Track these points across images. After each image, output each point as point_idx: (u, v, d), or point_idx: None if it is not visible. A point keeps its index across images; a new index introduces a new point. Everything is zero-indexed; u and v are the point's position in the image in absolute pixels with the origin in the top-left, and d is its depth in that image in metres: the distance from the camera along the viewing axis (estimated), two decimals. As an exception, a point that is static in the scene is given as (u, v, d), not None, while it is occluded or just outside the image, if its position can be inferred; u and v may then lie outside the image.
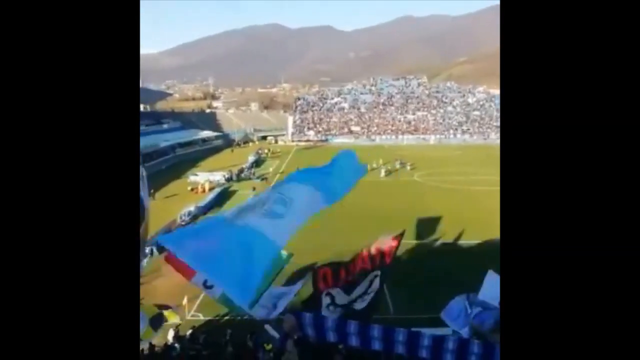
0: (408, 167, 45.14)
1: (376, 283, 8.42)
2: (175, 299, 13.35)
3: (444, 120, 77.43)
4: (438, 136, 73.27)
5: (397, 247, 8.77)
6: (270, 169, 47.41)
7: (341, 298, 8.00)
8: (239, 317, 14.06)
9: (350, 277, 8.21)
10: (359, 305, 8.16)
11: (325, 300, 7.65)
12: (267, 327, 7.70)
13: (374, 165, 45.51)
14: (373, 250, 8.41)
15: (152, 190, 34.54)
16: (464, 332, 7.57)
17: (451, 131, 74.39)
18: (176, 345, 10.32)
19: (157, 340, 10.22)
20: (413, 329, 4.55)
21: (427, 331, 5.02)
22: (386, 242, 8.71)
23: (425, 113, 79.54)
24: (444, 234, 23.12)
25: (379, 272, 8.41)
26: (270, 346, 9.48)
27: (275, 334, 7.42)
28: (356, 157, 8.20)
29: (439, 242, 22.21)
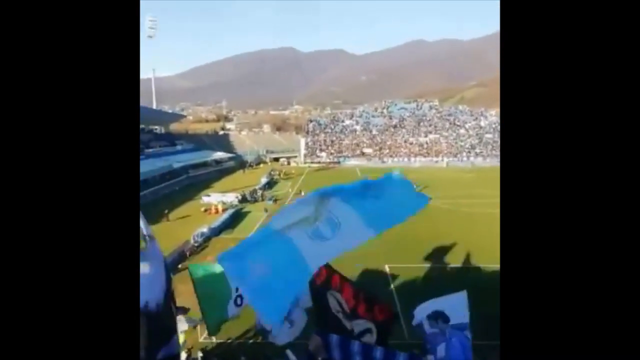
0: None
1: (367, 338, 7.83)
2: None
3: (456, 142, 77.33)
4: (451, 159, 73.03)
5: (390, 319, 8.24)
6: (285, 190, 47.54)
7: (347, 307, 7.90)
8: (251, 341, 13.95)
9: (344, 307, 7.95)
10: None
11: (332, 301, 7.62)
12: (288, 352, 7.50)
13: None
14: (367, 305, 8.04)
15: (166, 211, 34.84)
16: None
17: (464, 154, 74.14)
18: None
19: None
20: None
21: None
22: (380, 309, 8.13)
23: (437, 136, 79.57)
24: (458, 258, 22.82)
25: (371, 326, 7.91)
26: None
27: (294, 358, 7.19)
28: (409, 184, 7.32)
29: (452, 266, 21.91)
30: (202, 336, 14.79)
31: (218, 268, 7.81)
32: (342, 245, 5.92)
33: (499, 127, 79.52)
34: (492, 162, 71.09)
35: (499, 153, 71.92)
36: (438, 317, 7.35)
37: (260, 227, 30.70)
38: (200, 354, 11.97)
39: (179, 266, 22.68)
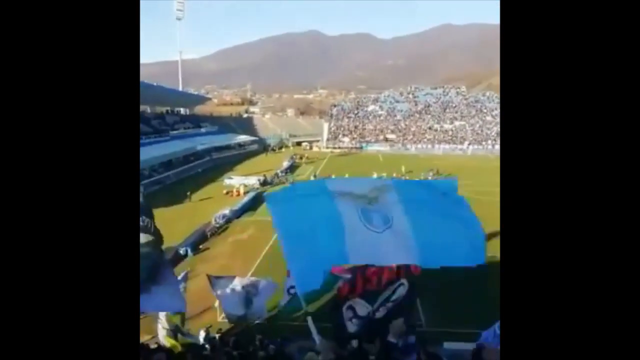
0: (430, 177, 44.27)
1: (400, 291, 7.98)
2: (208, 300, 13.55)
3: (481, 130, 75.75)
4: (476, 146, 71.65)
5: None
6: (307, 175, 47.66)
7: (363, 309, 7.82)
8: (268, 322, 14.12)
9: (371, 287, 8.07)
10: (379, 314, 7.75)
11: (347, 314, 7.46)
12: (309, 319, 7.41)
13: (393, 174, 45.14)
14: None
15: (189, 192, 35.43)
16: None
17: (489, 141, 72.55)
18: (207, 345, 10.45)
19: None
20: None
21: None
22: None
23: (463, 123, 78.11)
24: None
25: (404, 281, 8.00)
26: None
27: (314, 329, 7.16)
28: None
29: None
30: (221, 316, 15.07)
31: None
32: (379, 249, 4.91)
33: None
34: (519, 150, 69.39)
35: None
36: None
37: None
38: (216, 334, 12.20)
39: (200, 247, 23.14)
